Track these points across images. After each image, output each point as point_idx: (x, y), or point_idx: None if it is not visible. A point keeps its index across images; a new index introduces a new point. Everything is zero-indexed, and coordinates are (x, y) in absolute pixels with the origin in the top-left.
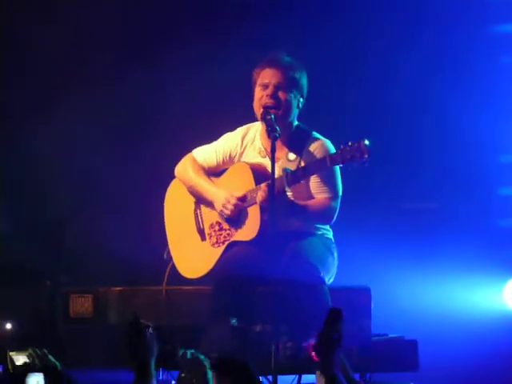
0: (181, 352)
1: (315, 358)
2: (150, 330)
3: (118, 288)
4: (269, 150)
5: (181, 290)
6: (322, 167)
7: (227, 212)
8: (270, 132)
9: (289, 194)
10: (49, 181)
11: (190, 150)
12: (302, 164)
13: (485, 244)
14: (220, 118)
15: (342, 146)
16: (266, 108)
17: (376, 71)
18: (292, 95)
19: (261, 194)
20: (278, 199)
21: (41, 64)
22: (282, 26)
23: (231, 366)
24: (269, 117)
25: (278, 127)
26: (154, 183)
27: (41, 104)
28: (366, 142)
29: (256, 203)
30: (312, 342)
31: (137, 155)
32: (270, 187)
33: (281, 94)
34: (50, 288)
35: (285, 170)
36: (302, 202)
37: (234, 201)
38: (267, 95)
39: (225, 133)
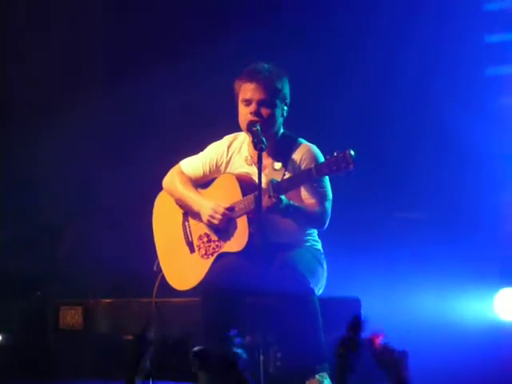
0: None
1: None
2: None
3: (108, 300)
4: (255, 157)
5: (170, 302)
6: (307, 178)
7: (215, 222)
8: (257, 144)
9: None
10: (40, 192)
11: (180, 161)
12: (287, 175)
13: (475, 254)
14: (210, 128)
15: (327, 157)
16: (250, 122)
17: (365, 78)
18: (275, 107)
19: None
20: (276, 204)
21: (34, 68)
22: (269, 32)
23: (217, 360)
24: (255, 128)
25: (263, 138)
26: (145, 194)
27: (31, 112)
28: (352, 152)
29: (244, 214)
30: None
31: (127, 167)
32: (257, 198)
33: (264, 110)
34: (40, 299)
35: (271, 182)
36: (297, 203)
37: (221, 210)
38: (251, 112)
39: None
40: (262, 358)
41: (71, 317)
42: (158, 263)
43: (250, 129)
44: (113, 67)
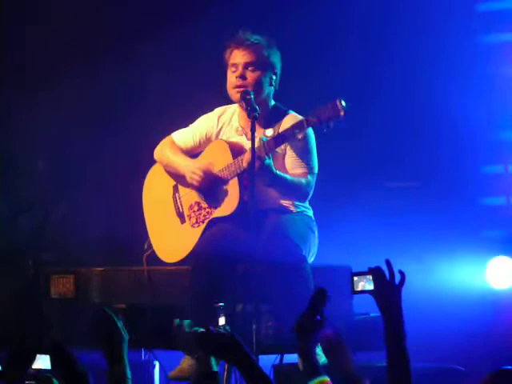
0: (176, 323)
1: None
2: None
3: (100, 268)
4: (246, 128)
5: (162, 269)
6: (298, 130)
7: (196, 178)
8: (250, 112)
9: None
10: (32, 161)
11: (171, 131)
12: None
13: (467, 222)
14: (201, 101)
15: (317, 107)
16: (237, 88)
17: (363, 50)
18: (262, 73)
19: (247, 156)
20: (260, 168)
21: (20, 48)
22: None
23: (217, 340)
24: (248, 96)
25: (257, 106)
26: (137, 164)
27: (22, 87)
28: (342, 102)
29: (235, 177)
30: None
31: (119, 137)
32: (251, 165)
33: (249, 74)
34: (32, 267)
35: (262, 140)
36: (281, 172)
37: (203, 167)
38: (236, 77)
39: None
40: (254, 326)
41: (63, 285)
42: (149, 241)
43: (243, 97)
44: (99, 41)
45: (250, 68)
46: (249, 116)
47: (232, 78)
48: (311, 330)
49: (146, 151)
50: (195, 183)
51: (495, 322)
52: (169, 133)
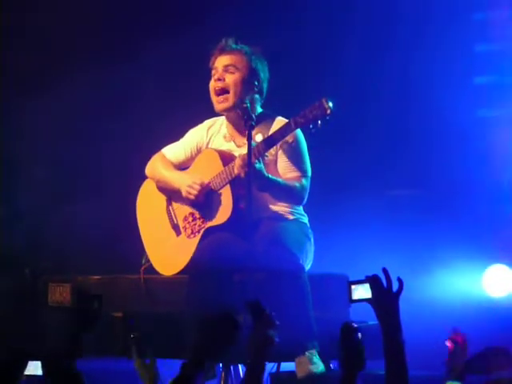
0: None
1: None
2: None
3: (97, 276)
4: (234, 135)
5: (159, 278)
6: (286, 131)
7: (193, 192)
8: (247, 120)
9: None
10: (29, 168)
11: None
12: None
13: (465, 230)
14: (194, 115)
15: (303, 109)
16: (216, 91)
17: (359, 55)
18: (241, 75)
19: (238, 162)
20: (252, 173)
21: (21, 45)
22: (255, 13)
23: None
24: (244, 105)
25: (253, 115)
26: (135, 172)
27: (15, 90)
28: (329, 102)
29: (227, 185)
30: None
31: (117, 144)
32: (246, 173)
33: (228, 76)
34: (29, 276)
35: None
36: (274, 176)
37: (197, 182)
38: (215, 80)
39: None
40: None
41: (59, 294)
42: (146, 256)
43: (239, 106)
44: (99, 49)
45: (229, 70)
46: (245, 125)
47: (212, 83)
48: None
49: (144, 159)
50: (192, 197)
51: (492, 330)
52: (158, 146)
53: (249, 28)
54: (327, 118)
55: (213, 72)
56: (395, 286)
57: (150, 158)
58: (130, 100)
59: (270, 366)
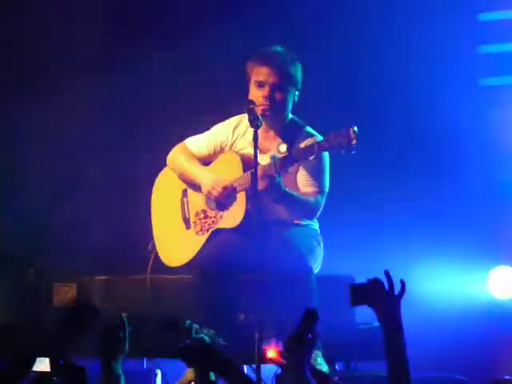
0: (187, 324)
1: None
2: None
3: (102, 277)
4: (260, 140)
5: (165, 278)
6: (309, 153)
7: (215, 193)
8: (253, 121)
9: None
10: (31, 167)
11: (178, 141)
12: None
13: (470, 231)
14: (212, 110)
15: (330, 133)
16: (261, 107)
17: (372, 58)
18: (288, 92)
19: (258, 174)
20: (269, 186)
21: (29, 51)
22: (271, 17)
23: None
24: (252, 106)
25: (260, 116)
26: (141, 172)
27: (25, 92)
28: (355, 129)
29: (243, 190)
30: (274, 343)
31: (122, 145)
32: (253, 176)
33: (278, 95)
34: (33, 276)
35: (273, 158)
36: (291, 190)
37: (223, 183)
38: (264, 97)
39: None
40: (256, 335)
41: (65, 294)
42: (153, 243)
43: (247, 107)
44: (112, 51)
45: (277, 89)
46: (251, 125)
47: (257, 95)
48: (303, 348)
49: (150, 158)
50: (212, 197)
51: (497, 331)
52: (175, 139)
53: (269, 27)
54: (352, 148)
55: (256, 83)
56: (397, 289)
57: (152, 158)
58: (131, 100)
59: (274, 368)
